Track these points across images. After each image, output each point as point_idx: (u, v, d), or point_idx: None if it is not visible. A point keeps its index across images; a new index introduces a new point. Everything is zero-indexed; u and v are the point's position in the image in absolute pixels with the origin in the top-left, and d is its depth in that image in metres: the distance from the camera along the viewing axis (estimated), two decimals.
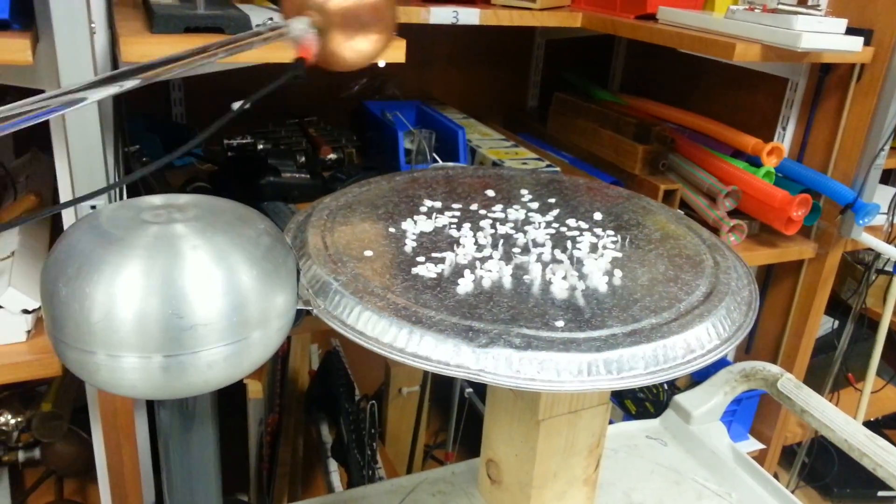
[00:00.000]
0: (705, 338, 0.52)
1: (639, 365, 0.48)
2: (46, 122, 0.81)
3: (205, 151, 1.36)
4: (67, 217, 0.84)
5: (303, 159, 1.28)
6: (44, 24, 0.74)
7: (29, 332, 0.83)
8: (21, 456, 1.18)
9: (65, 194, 0.83)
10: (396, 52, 0.83)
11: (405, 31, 0.89)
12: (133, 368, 0.42)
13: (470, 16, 1.20)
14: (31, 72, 0.77)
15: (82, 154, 0.76)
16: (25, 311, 0.81)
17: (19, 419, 1.14)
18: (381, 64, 0.83)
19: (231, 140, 1.34)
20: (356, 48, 0.59)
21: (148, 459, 0.96)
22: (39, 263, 0.88)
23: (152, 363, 0.42)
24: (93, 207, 0.76)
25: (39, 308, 0.82)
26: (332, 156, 1.35)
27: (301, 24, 0.57)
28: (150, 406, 0.95)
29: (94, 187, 0.77)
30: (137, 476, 0.95)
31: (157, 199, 0.50)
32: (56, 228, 1.01)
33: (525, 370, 0.47)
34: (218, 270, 0.44)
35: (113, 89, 0.47)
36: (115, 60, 0.81)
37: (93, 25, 0.73)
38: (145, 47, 0.75)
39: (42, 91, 0.79)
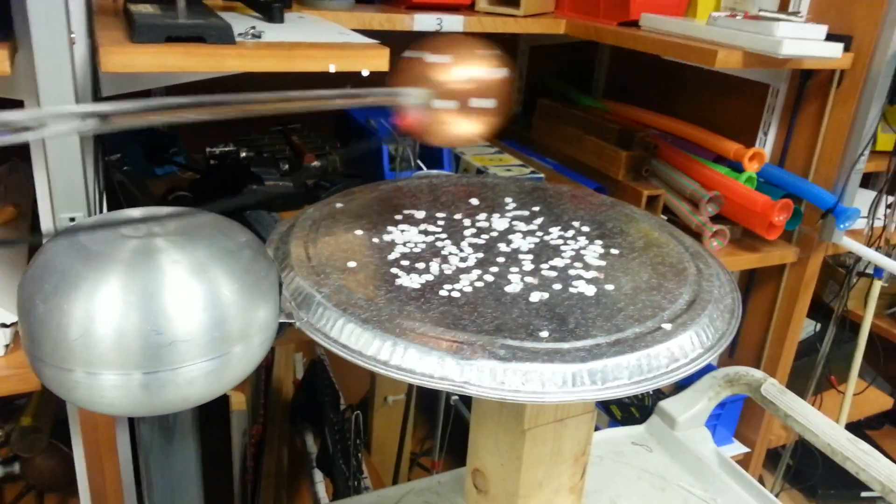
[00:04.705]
0: (689, 346, 0.52)
1: (623, 375, 0.48)
2: None
3: (187, 160, 1.35)
4: (46, 228, 0.83)
5: (286, 167, 1.28)
6: (22, 33, 0.73)
7: (7, 346, 0.81)
8: (0, 471, 1.17)
9: (43, 206, 0.81)
10: (380, 61, 0.83)
11: (389, 38, 0.88)
12: (112, 386, 0.42)
13: (454, 23, 1.20)
14: (9, 82, 0.76)
15: (61, 164, 0.75)
16: (4, 325, 0.80)
17: None
18: (365, 73, 0.83)
19: (214, 148, 1.33)
20: (462, 128, 0.59)
21: (130, 473, 0.95)
22: (18, 276, 0.86)
23: (131, 380, 0.42)
24: (72, 220, 0.75)
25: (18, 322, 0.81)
26: (316, 163, 1.35)
27: (420, 95, 0.56)
28: (132, 419, 0.94)
29: (73, 199, 0.76)
30: (119, 490, 0.94)
31: (136, 212, 0.50)
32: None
33: (509, 382, 0.47)
34: (198, 285, 0.44)
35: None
36: (95, 70, 0.80)
37: (72, 35, 0.72)
38: (126, 57, 0.74)
39: (21, 102, 0.79)
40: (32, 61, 0.71)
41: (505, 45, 1.79)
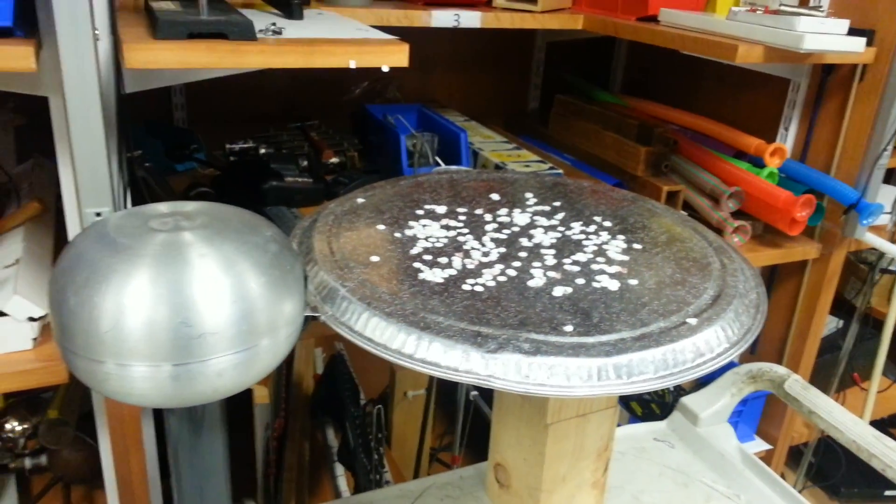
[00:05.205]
0: (714, 341, 0.52)
1: (649, 369, 0.48)
2: (50, 128, 0.81)
3: (207, 156, 1.36)
4: (72, 225, 0.84)
5: (305, 163, 1.28)
6: (47, 30, 0.73)
7: (35, 339, 0.82)
8: (28, 463, 1.18)
9: (69, 201, 0.82)
10: (400, 57, 0.83)
11: (407, 34, 0.89)
12: (142, 377, 0.42)
13: (471, 19, 1.20)
14: (35, 78, 0.77)
15: (87, 160, 0.76)
16: (31, 319, 0.81)
17: (26, 426, 1.14)
18: (385, 68, 0.83)
19: (233, 145, 1.34)
20: None
21: (155, 465, 0.96)
22: (45, 271, 0.88)
23: (161, 372, 0.42)
24: (97, 215, 0.76)
25: (46, 315, 0.82)
26: (335, 160, 1.35)
27: None
28: (158, 412, 0.95)
29: (99, 194, 0.76)
30: (145, 482, 0.95)
31: (163, 207, 0.50)
32: (60, 236, 1.00)
33: (534, 375, 0.47)
34: (226, 278, 0.44)
35: None
36: (118, 66, 0.81)
37: (96, 32, 0.73)
38: (149, 53, 0.75)
39: (46, 98, 0.80)
40: (57, 58, 0.72)
41: (522, 41, 1.80)
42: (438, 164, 1.30)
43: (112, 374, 0.43)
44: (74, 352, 0.43)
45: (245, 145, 1.35)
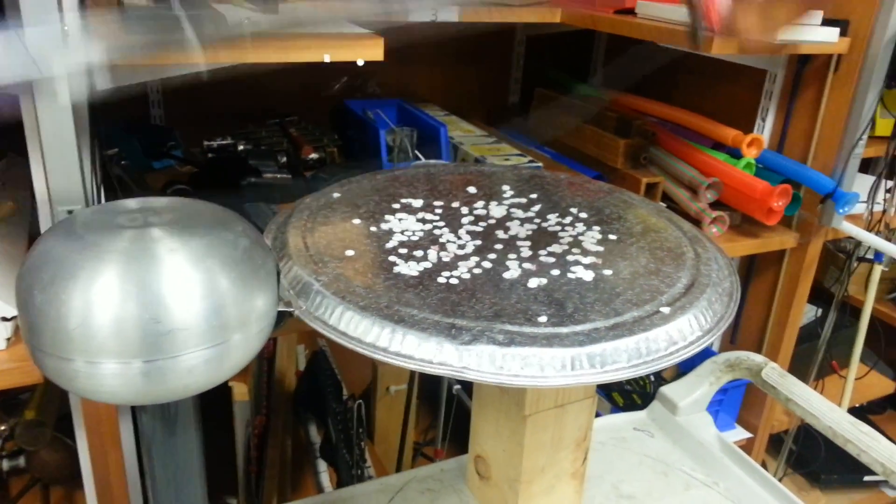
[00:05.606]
0: (687, 329, 0.52)
1: (622, 358, 0.49)
2: (21, 127, 0.80)
3: (185, 153, 1.35)
4: (44, 224, 0.83)
5: (284, 159, 1.28)
6: (16, 27, 0.72)
7: (9, 339, 0.81)
8: (5, 464, 1.17)
9: (41, 200, 0.81)
10: (375, 50, 0.83)
11: (386, 29, 0.88)
12: (112, 375, 0.42)
13: (449, 14, 1.20)
14: None
15: (57, 158, 0.75)
16: (4, 319, 0.80)
17: (2, 427, 1.13)
18: (360, 62, 0.83)
19: (211, 142, 1.33)
20: (770, 18, 0.56)
21: (134, 465, 0.95)
22: (17, 270, 0.87)
23: (131, 369, 0.42)
24: (69, 212, 0.75)
25: None
26: (314, 155, 1.35)
27: None
28: (136, 411, 0.94)
29: (71, 192, 0.76)
30: (124, 482, 0.94)
31: (132, 203, 0.50)
32: (34, 234, 0.99)
33: (508, 366, 0.47)
34: (196, 273, 0.44)
35: None
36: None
37: (66, 28, 0.72)
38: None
39: (15, 94, 0.79)
40: None
41: (502, 34, 1.79)
42: (418, 159, 1.30)
43: (81, 372, 0.42)
44: (43, 350, 0.43)
45: (223, 142, 1.34)
